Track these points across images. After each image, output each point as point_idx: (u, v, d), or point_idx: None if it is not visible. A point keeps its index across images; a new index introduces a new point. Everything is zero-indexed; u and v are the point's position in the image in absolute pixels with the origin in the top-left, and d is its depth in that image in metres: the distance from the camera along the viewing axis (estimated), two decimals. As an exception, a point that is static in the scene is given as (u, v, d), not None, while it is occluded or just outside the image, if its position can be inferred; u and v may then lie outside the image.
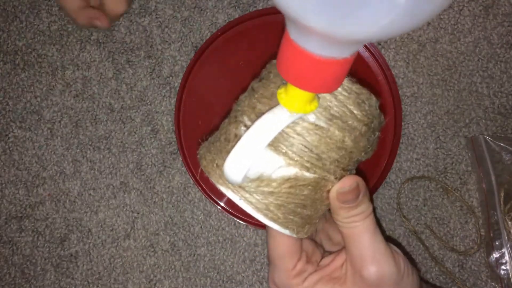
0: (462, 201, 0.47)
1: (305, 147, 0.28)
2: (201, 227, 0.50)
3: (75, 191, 0.50)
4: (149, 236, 0.50)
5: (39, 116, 0.50)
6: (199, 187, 0.48)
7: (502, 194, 0.47)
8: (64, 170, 0.50)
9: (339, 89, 0.29)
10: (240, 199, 0.29)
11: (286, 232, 0.31)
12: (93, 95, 0.50)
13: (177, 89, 0.49)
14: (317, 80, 0.24)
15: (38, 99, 0.51)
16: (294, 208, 0.30)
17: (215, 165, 0.30)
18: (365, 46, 0.48)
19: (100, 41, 0.51)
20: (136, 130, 0.50)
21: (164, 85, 0.50)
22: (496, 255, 0.47)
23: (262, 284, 0.49)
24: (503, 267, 0.47)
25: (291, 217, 0.30)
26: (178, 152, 0.49)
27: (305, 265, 0.34)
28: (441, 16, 0.49)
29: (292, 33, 0.22)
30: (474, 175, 0.49)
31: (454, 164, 0.49)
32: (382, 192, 0.49)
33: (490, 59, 0.49)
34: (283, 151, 0.28)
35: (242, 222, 0.48)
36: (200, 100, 0.49)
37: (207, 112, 0.49)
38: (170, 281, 0.49)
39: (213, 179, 0.30)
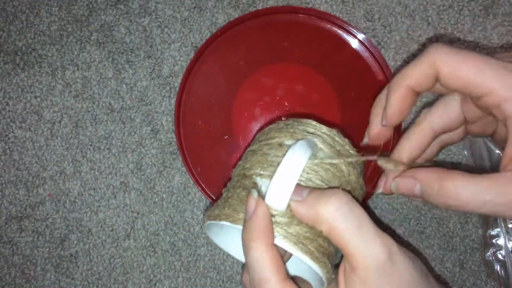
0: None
1: (321, 181, 0.30)
2: (201, 227, 0.50)
3: (75, 191, 0.50)
4: (149, 236, 0.50)
5: (39, 116, 0.50)
6: (199, 187, 0.48)
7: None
8: (64, 170, 0.50)
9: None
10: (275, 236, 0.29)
11: (316, 268, 0.29)
12: (93, 95, 0.50)
13: (177, 89, 0.49)
14: None
15: (38, 99, 0.51)
16: (322, 242, 0.30)
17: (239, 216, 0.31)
18: (365, 46, 0.48)
19: (100, 41, 0.51)
20: (136, 130, 0.50)
21: (164, 85, 0.50)
22: (494, 253, 0.47)
23: (262, 284, 0.49)
24: (501, 265, 0.47)
25: (320, 251, 0.30)
26: (178, 152, 0.49)
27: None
28: (441, 16, 0.49)
29: None
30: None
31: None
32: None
33: (490, 59, 0.49)
34: (304, 184, 0.30)
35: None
36: (200, 100, 0.49)
37: (207, 112, 0.49)
38: (170, 281, 0.49)
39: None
